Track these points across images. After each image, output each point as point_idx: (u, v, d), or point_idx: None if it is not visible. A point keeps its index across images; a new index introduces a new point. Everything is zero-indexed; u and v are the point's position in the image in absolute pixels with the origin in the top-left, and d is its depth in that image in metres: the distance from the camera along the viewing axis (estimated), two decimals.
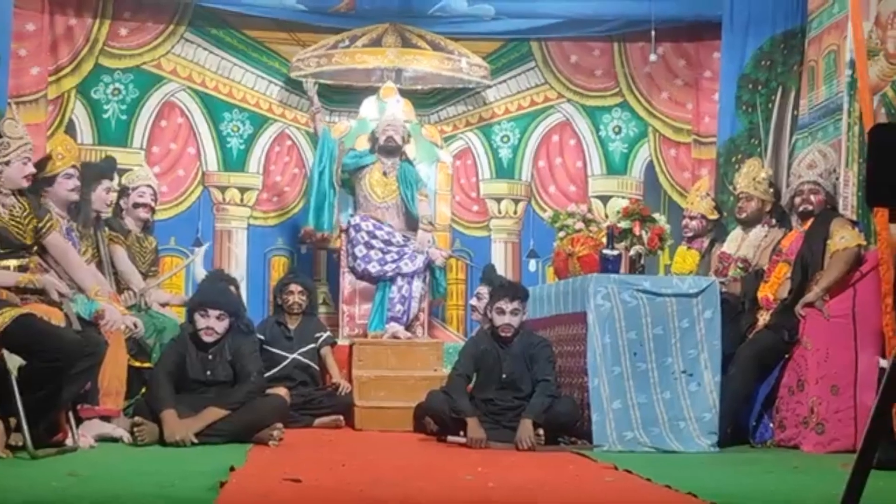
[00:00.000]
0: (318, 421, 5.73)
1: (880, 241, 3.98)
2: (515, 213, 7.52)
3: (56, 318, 4.14)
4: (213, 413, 4.63)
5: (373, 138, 6.69)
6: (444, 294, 6.95)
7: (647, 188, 7.49)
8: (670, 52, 7.50)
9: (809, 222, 5.12)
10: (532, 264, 7.48)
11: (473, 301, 6.37)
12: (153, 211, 5.90)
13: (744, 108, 6.83)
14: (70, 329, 4.21)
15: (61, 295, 4.34)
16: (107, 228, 5.52)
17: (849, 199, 5.47)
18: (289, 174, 7.40)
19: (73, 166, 4.95)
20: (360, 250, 6.43)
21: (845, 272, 4.89)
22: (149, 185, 5.84)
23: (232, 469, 3.38)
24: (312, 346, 6.08)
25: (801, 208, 5.17)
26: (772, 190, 5.69)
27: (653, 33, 7.05)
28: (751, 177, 5.68)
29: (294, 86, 7.31)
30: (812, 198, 5.12)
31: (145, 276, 5.71)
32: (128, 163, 6.67)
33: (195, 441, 4.49)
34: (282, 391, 5.47)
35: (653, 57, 7.15)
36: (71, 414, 4.23)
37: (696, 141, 7.45)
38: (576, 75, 7.55)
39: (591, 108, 7.56)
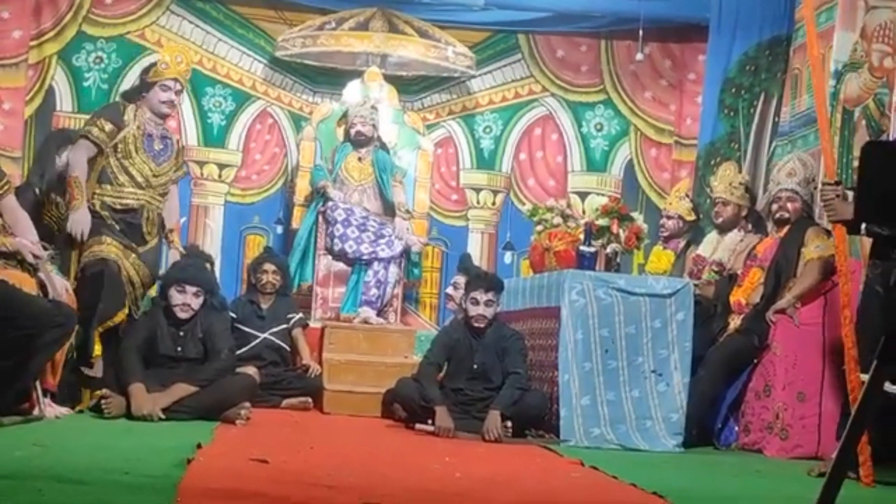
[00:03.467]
0: (286, 402, 5.71)
1: (838, 253, 4.02)
2: (494, 204, 7.52)
3: (27, 285, 4.11)
4: (182, 389, 4.62)
5: (345, 128, 6.71)
6: (418, 278, 6.95)
7: (626, 187, 7.51)
8: (657, 52, 7.51)
9: (785, 229, 5.16)
10: (507, 256, 7.48)
11: (450, 290, 6.37)
12: None
13: (726, 112, 6.86)
14: (42, 298, 4.18)
15: (36, 257, 4.31)
16: None
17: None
18: (269, 153, 7.36)
19: (175, 79, 5.15)
20: (337, 229, 6.42)
21: (818, 281, 4.94)
22: None
23: (199, 446, 3.37)
24: (284, 326, 6.05)
25: (777, 215, 5.21)
26: (748, 195, 5.73)
27: (640, 32, 7.06)
28: (727, 181, 5.72)
29: (278, 64, 7.26)
30: (789, 205, 5.16)
31: None
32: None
33: (162, 416, 4.47)
34: (251, 370, 5.46)
35: (639, 56, 7.15)
36: (38, 384, 4.20)
37: (678, 143, 7.47)
38: (561, 70, 7.55)
39: (575, 104, 7.56)
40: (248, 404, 4.73)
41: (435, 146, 7.29)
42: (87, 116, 6.78)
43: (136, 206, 5.05)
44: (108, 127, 4.98)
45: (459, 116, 7.53)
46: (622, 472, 3.58)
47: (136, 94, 5.22)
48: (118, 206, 5.01)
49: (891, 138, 4.82)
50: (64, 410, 4.44)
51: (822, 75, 4.30)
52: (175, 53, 5.32)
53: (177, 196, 5.44)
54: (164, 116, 5.24)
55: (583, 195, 7.35)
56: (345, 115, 6.77)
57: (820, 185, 4.34)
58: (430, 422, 4.79)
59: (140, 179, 5.06)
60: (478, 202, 7.52)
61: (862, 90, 5.46)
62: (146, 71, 5.28)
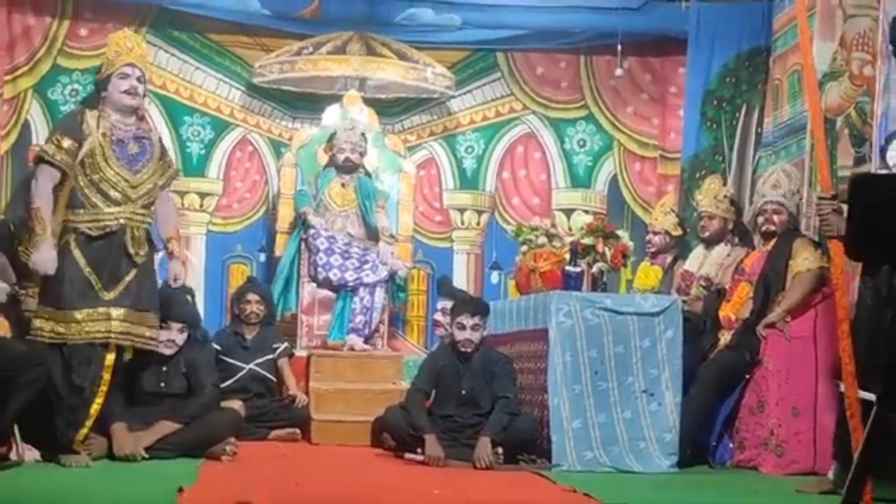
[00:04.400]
0: (273, 433, 5.62)
1: (834, 267, 3.96)
2: (478, 224, 7.46)
3: (1, 329, 4.02)
4: (165, 426, 4.53)
5: (330, 153, 6.64)
6: (404, 302, 6.88)
7: (611, 202, 7.46)
8: (636, 66, 7.48)
9: (772, 242, 5.11)
10: (494, 276, 7.42)
11: (438, 316, 6.29)
12: None
13: (708, 125, 6.83)
14: (17, 340, 4.10)
15: (9, 295, 4.23)
16: None
17: (811, 219, 5.47)
18: (250, 180, 7.28)
19: (130, 64, 4.40)
20: (320, 258, 6.34)
21: (807, 293, 4.89)
22: None
23: (180, 490, 3.28)
24: (270, 356, 5.96)
25: (763, 228, 5.16)
26: (733, 208, 5.69)
27: (619, 47, 7.03)
28: (712, 195, 5.67)
29: (256, 91, 7.20)
30: (775, 218, 5.11)
31: None
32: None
33: (145, 455, 4.37)
34: (236, 404, 5.37)
35: (619, 71, 7.12)
36: (16, 427, 4.10)
37: (663, 157, 7.43)
38: (542, 87, 7.51)
39: (557, 121, 7.52)
40: (233, 439, 4.65)
41: (417, 168, 7.24)
42: None
43: (116, 228, 4.30)
44: (67, 143, 4.26)
45: (441, 137, 7.47)
46: (616, 498, 3.52)
47: (95, 99, 4.49)
48: (95, 233, 4.28)
49: (874, 147, 4.78)
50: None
51: (815, 83, 4.23)
52: (124, 39, 4.54)
53: (170, 201, 4.78)
54: (131, 111, 4.44)
55: (568, 212, 7.30)
56: (331, 140, 6.69)
57: (815, 200, 4.27)
58: (419, 451, 4.71)
59: (115, 195, 4.31)
60: (462, 223, 7.46)
61: (843, 99, 5.43)
62: (98, 70, 4.57)
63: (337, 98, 7.01)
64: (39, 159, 4.34)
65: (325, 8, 7.03)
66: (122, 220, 4.32)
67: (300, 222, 6.53)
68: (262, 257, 7.18)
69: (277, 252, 6.76)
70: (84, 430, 4.23)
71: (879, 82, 4.78)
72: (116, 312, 4.29)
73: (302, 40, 7.06)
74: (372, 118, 6.98)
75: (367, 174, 6.72)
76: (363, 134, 6.65)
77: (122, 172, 4.33)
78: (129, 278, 4.35)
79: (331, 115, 6.92)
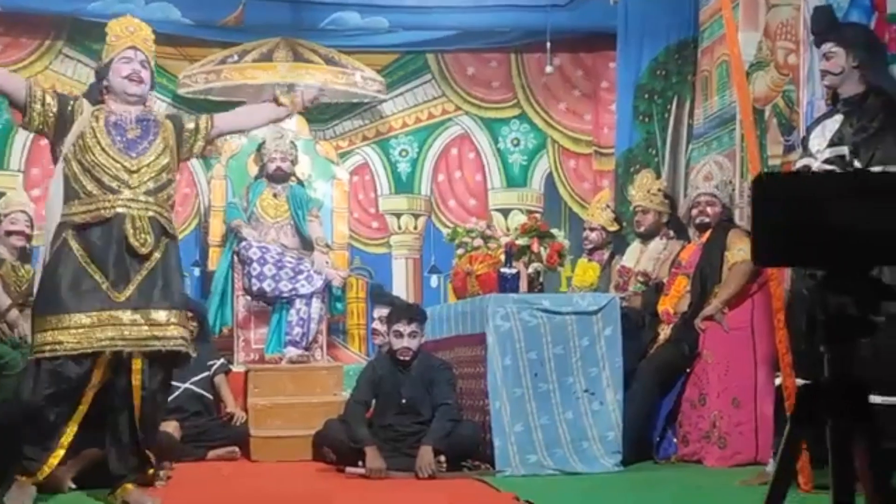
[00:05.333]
0: (212, 453, 5.47)
1: None
2: (416, 228, 7.38)
3: None
4: (93, 454, 4.34)
5: (260, 163, 6.50)
6: (342, 312, 6.77)
7: (548, 200, 7.43)
8: (567, 62, 7.46)
9: (707, 234, 5.10)
10: (434, 280, 7.35)
11: (376, 325, 6.17)
12: (29, 238, 5.57)
13: (641, 118, 6.83)
14: None
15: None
16: None
17: (744, 209, 5.48)
18: (180, 193, 7.09)
19: (133, 47, 3.92)
20: (254, 268, 6.20)
21: (743, 284, 4.88)
22: (23, 211, 5.52)
23: None
24: (206, 374, 5.81)
25: (698, 220, 5.15)
26: (667, 201, 5.67)
27: (548, 44, 7.00)
28: (645, 189, 5.66)
29: (182, 102, 7.03)
30: (709, 209, 5.10)
31: (22, 307, 5.37)
32: (4, 186, 6.32)
33: (73, 486, 4.20)
34: (171, 426, 5.21)
35: (549, 68, 7.09)
36: None
37: (597, 152, 7.41)
38: (473, 87, 7.45)
39: (490, 121, 7.47)
40: (167, 463, 4.49)
41: (350, 174, 7.14)
42: None
43: (111, 216, 3.74)
44: (50, 100, 3.82)
45: (373, 142, 7.38)
46: (558, 502, 3.44)
47: (97, 91, 3.98)
48: (87, 220, 3.75)
49: (796, 142, 4.78)
50: None
51: (743, 75, 4.21)
52: (126, 24, 4.03)
53: (243, 110, 4.49)
54: (135, 100, 3.91)
55: (505, 212, 7.27)
56: (259, 149, 6.56)
57: (748, 191, 4.25)
58: (360, 463, 4.60)
59: (109, 182, 3.76)
60: (399, 227, 7.37)
61: (770, 88, 5.45)
62: (98, 58, 4.14)
63: None
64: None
65: (249, 15, 6.88)
66: (118, 209, 3.75)
67: (232, 235, 6.39)
68: (197, 271, 7.01)
69: (211, 266, 6.60)
70: (54, 459, 3.76)
71: (803, 71, 4.79)
72: (129, 316, 3.70)
73: (227, 49, 6.92)
74: (302, 125, 6.86)
75: (300, 183, 6.60)
76: (293, 142, 6.53)
77: (118, 157, 3.80)
78: (140, 276, 3.77)
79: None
